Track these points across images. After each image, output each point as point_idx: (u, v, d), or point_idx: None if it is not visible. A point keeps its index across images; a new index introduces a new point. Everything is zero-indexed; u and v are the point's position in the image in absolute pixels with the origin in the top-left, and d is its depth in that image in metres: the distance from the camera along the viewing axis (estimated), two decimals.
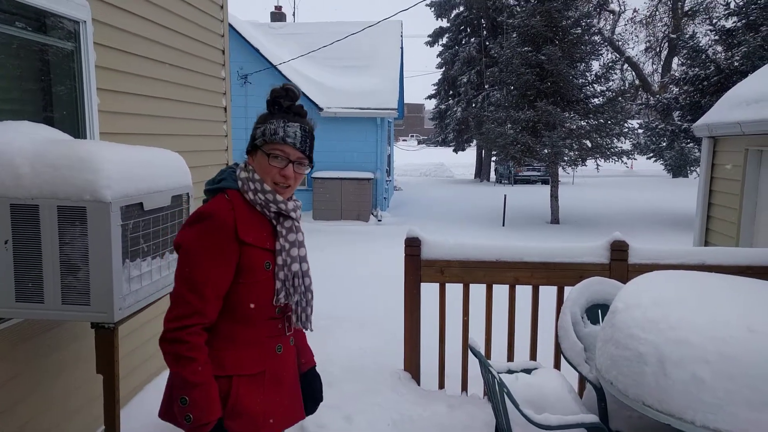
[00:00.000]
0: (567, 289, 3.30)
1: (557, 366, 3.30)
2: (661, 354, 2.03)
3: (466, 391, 3.38)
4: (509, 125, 14.10)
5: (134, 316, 2.36)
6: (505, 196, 14.55)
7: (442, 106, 28.30)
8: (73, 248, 2.11)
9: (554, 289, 3.34)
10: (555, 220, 13.63)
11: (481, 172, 28.13)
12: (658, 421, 2.05)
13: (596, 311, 2.89)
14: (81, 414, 2.74)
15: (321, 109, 14.53)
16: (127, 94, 3.18)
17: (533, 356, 3.34)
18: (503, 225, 13.02)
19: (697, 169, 14.79)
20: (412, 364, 3.38)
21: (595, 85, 14.26)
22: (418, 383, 3.37)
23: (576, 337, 2.70)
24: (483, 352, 3.29)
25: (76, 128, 2.78)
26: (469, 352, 3.37)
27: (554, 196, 13.76)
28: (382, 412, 2.80)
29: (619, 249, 3.23)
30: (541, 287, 3.34)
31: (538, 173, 24.53)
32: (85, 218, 2.09)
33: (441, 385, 3.41)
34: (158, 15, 3.47)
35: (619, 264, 3.22)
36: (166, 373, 3.42)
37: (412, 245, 3.32)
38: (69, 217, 2.09)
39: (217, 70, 4.54)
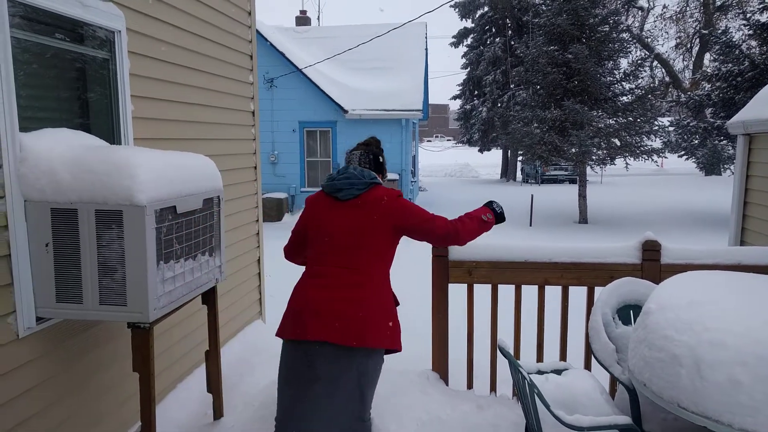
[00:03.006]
0: (597, 290, 3.26)
1: (588, 367, 3.26)
2: (696, 356, 1.99)
3: (495, 392, 3.36)
4: (535, 125, 13.96)
5: (168, 317, 2.42)
6: (532, 195, 14.40)
7: (467, 106, 28.19)
8: (110, 251, 2.18)
9: (584, 289, 3.30)
10: (583, 219, 13.44)
11: (507, 172, 27.91)
12: (693, 424, 2.01)
13: (628, 312, 2.85)
14: (118, 411, 2.82)
15: (346, 111, 14.62)
16: (160, 101, 3.26)
17: (563, 357, 3.30)
18: (530, 225, 12.90)
19: (732, 167, 14.39)
20: (441, 365, 3.38)
21: (623, 83, 14.02)
22: (447, 384, 3.37)
23: (607, 338, 2.66)
24: (512, 352, 3.27)
25: (111, 134, 2.86)
26: (498, 353, 3.35)
27: (582, 196, 13.57)
28: (410, 412, 2.80)
29: (651, 249, 3.17)
30: (570, 288, 3.30)
31: (566, 172, 24.21)
32: (122, 221, 2.16)
33: (470, 386, 3.40)
34: (189, 23, 3.55)
35: (652, 264, 3.17)
36: (197, 372, 3.49)
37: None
38: (106, 220, 2.16)
39: (245, 75, 4.62)
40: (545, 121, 13.56)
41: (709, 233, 11.42)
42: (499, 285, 3.32)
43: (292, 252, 2.73)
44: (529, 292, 3.34)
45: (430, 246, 3.30)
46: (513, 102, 22.80)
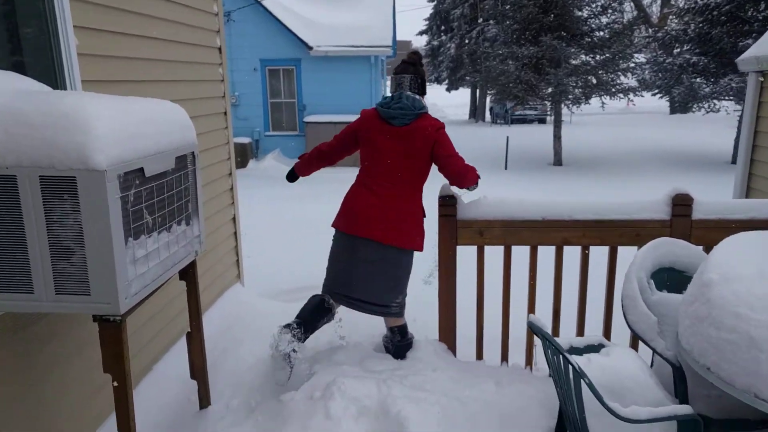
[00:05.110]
0: (621, 250, 2.98)
1: (606, 336, 3.00)
2: None
3: (506, 362, 3.10)
4: (510, 62, 13.43)
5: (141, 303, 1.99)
6: (507, 137, 14.06)
7: (435, 43, 27.22)
8: (64, 227, 1.72)
9: (604, 249, 3.00)
10: (558, 161, 13.25)
11: (476, 113, 27.44)
12: (740, 401, 1.77)
13: (662, 276, 2.56)
14: (89, 403, 2.41)
15: (311, 48, 13.75)
16: (110, 33, 2.68)
17: (581, 326, 3.04)
18: (506, 168, 12.63)
19: (706, 106, 14.26)
20: (448, 335, 3.08)
21: (601, 17, 13.51)
22: (455, 354, 3.08)
23: (645, 307, 2.37)
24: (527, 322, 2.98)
25: (52, 76, 2.30)
26: (510, 320, 3.06)
27: (557, 137, 13.32)
28: (430, 395, 2.50)
29: (682, 203, 2.87)
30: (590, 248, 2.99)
31: (535, 112, 23.89)
32: (76, 190, 1.68)
33: (479, 356, 3.12)
34: None
35: (682, 220, 2.88)
36: (173, 349, 3.08)
37: (447, 204, 2.94)
38: (55, 189, 1.68)
39: (209, 4, 3.99)
40: (521, 58, 13.03)
41: (691, 175, 11.19)
42: (512, 246, 2.99)
43: (317, 159, 3.13)
44: (544, 253, 3.02)
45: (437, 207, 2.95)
46: (482, 38, 22.02)
